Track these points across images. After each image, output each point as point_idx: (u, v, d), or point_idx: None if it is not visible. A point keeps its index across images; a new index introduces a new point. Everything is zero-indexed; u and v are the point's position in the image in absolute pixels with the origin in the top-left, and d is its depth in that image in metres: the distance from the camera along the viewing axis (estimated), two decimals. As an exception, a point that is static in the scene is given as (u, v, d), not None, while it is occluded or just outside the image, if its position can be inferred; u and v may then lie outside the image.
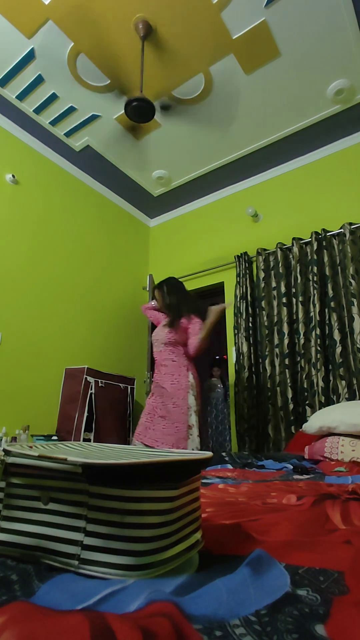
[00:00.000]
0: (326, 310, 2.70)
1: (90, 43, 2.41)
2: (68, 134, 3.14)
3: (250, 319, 3.05)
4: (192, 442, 2.17)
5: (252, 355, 2.94)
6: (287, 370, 2.70)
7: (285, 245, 3.04)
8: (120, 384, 3.17)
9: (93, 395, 2.86)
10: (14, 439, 2.48)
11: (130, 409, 3.23)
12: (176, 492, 0.36)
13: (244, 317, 3.05)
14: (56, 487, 0.36)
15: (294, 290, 2.90)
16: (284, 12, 2.21)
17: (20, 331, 2.82)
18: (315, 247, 2.83)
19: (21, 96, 2.79)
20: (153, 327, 3.74)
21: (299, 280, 2.84)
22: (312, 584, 0.31)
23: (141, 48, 2.33)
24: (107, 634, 0.23)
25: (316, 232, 2.89)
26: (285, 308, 2.86)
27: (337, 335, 2.55)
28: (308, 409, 2.56)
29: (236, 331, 3.10)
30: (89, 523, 0.34)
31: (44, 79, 2.67)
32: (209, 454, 0.40)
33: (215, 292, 3.71)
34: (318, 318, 2.66)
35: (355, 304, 2.52)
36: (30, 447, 0.44)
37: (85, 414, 2.77)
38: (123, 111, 2.43)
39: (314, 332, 2.66)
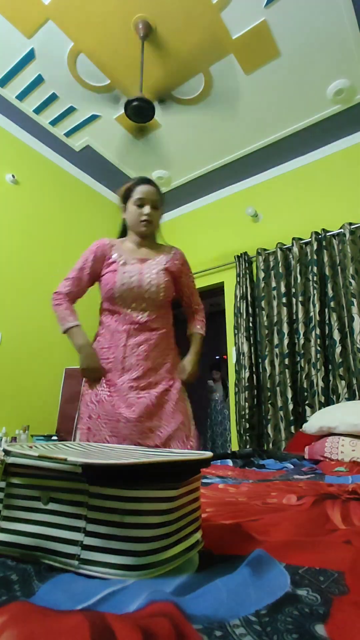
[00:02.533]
0: (326, 310, 2.70)
1: (90, 43, 2.41)
2: (68, 134, 3.14)
3: (251, 319, 3.05)
4: None
5: (252, 355, 2.94)
6: (287, 370, 2.70)
7: (285, 245, 3.04)
8: (120, 384, 3.17)
9: (93, 395, 2.85)
10: (14, 439, 2.48)
11: (130, 409, 3.23)
12: (176, 492, 0.36)
13: (244, 317, 3.05)
14: (56, 487, 0.36)
15: (293, 290, 2.90)
16: (284, 12, 2.21)
17: (20, 331, 2.82)
18: (315, 247, 2.83)
19: (21, 96, 2.79)
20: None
21: (298, 280, 2.84)
22: (312, 584, 0.31)
23: (141, 48, 2.33)
24: (107, 634, 0.23)
25: (316, 232, 2.89)
26: (285, 308, 2.86)
27: (337, 335, 2.56)
28: (308, 409, 2.56)
29: (236, 331, 3.10)
30: (89, 523, 0.34)
31: (44, 79, 2.67)
32: (209, 454, 0.40)
33: (215, 292, 3.71)
34: (318, 318, 2.67)
35: (355, 304, 2.52)
36: (30, 447, 0.44)
37: (85, 414, 2.76)
38: (123, 111, 2.44)
39: (313, 332, 2.66)
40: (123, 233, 1.80)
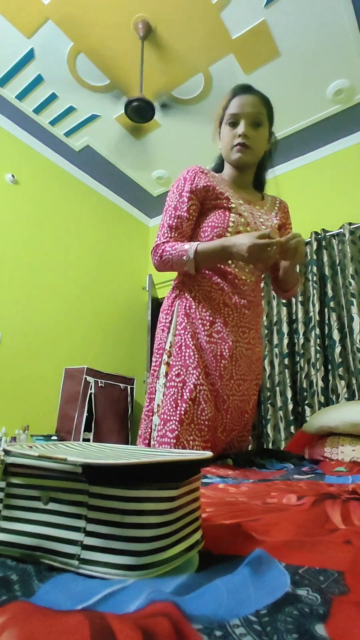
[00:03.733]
0: (326, 310, 2.70)
1: (90, 43, 2.41)
2: (68, 134, 3.14)
3: (250, 319, 3.04)
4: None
5: (251, 355, 2.94)
6: (286, 370, 2.70)
7: (285, 245, 3.04)
8: (120, 384, 3.17)
9: (93, 395, 2.86)
10: (14, 439, 2.48)
11: (130, 409, 3.23)
12: (176, 492, 0.36)
13: (243, 317, 3.05)
14: (56, 487, 0.36)
15: (293, 290, 2.89)
16: (283, 12, 2.21)
17: (20, 331, 2.82)
18: (314, 247, 2.83)
19: (21, 96, 2.79)
20: (155, 317, 3.72)
21: (298, 280, 2.84)
22: (312, 584, 0.31)
23: (141, 48, 2.33)
24: (107, 634, 0.23)
25: (316, 232, 2.89)
26: (284, 308, 2.86)
27: (336, 335, 2.55)
28: (307, 409, 2.56)
29: (236, 331, 3.10)
30: (89, 523, 0.34)
31: (44, 79, 2.67)
32: (209, 453, 0.40)
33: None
34: (317, 318, 2.66)
35: (355, 303, 2.52)
36: (30, 447, 0.44)
37: (85, 414, 2.77)
38: (123, 111, 2.44)
39: (313, 332, 2.66)
40: (219, 170, 1.41)
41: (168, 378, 1.20)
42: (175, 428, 1.13)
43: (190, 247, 1.15)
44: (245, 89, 1.29)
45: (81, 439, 2.68)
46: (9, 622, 0.24)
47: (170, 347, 1.24)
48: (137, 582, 0.31)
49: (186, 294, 1.26)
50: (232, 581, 0.31)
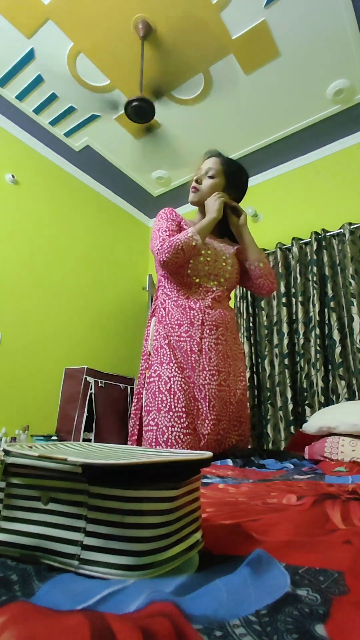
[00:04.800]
0: (326, 310, 2.70)
1: (90, 43, 2.41)
2: (68, 134, 3.14)
3: (250, 318, 3.05)
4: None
5: (252, 355, 2.94)
6: (286, 370, 2.70)
7: (285, 245, 3.04)
8: (120, 384, 3.17)
9: (93, 396, 2.86)
10: (14, 439, 2.48)
11: (130, 409, 3.23)
12: (176, 492, 0.36)
13: (244, 317, 3.05)
14: (56, 487, 0.36)
15: (293, 290, 2.90)
16: (283, 12, 2.21)
17: (20, 331, 2.82)
18: (314, 247, 2.83)
19: (21, 96, 2.79)
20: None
21: (298, 281, 2.84)
22: (312, 584, 0.31)
23: (141, 48, 2.33)
24: (107, 634, 0.23)
25: (316, 232, 2.89)
26: (284, 308, 2.86)
27: (336, 335, 2.56)
28: (307, 409, 2.56)
29: (236, 331, 3.11)
30: (89, 523, 0.34)
31: (44, 79, 2.67)
32: (209, 454, 0.40)
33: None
34: (317, 318, 2.67)
35: (355, 304, 2.52)
36: (30, 447, 0.44)
37: (85, 414, 2.77)
38: (123, 111, 2.44)
39: (313, 332, 2.66)
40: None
41: (148, 375, 1.43)
42: (155, 416, 1.33)
43: (188, 230, 1.45)
44: (211, 154, 1.67)
45: (81, 439, 2.68)
46: (9, 622, 0.24)
47: (150, 353, 1.48)
48: (137, 582, 0.31)
49: (160, 309, 1.53)
50: (232, 581, 0.31)
